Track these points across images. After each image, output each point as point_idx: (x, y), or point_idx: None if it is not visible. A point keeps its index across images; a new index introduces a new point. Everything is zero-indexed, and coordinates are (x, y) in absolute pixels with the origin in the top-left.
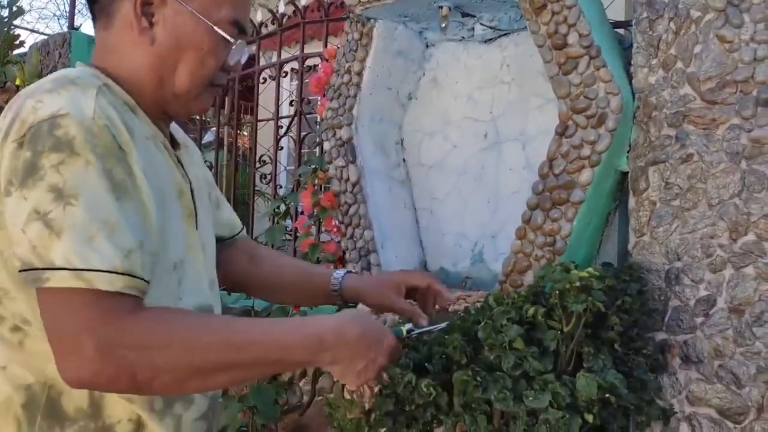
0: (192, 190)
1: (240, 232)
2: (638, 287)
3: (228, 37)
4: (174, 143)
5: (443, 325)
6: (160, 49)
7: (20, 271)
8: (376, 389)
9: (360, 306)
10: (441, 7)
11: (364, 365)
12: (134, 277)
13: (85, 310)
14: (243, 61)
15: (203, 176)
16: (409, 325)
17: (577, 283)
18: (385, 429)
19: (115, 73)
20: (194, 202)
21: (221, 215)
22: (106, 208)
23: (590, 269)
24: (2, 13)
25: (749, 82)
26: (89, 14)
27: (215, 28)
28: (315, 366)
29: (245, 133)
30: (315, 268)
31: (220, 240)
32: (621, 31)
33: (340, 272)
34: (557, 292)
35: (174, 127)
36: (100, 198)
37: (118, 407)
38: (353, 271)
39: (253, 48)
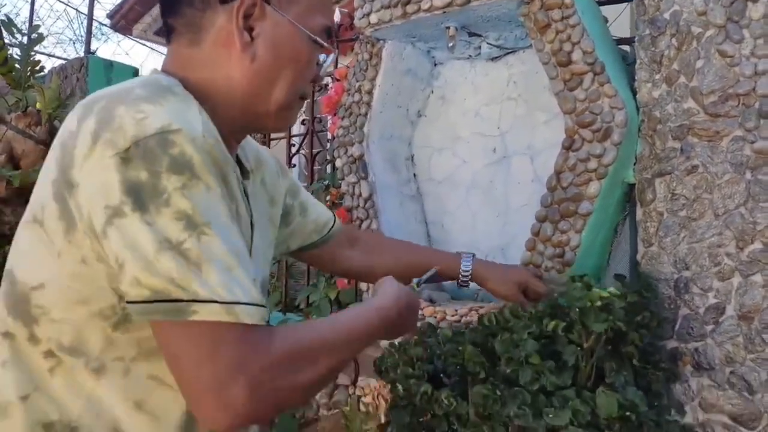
0: (252, 224)
1: (331, 229)
2: (656, 302)
3: (327, 45)
4: (242, 170)
5: (432, 271)
6: (260, 64)
7: (148, 302)
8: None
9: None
10: (448, 28)
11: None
12: (264, 306)
13: (234, 347)
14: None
15: (270, 197)
16: (414, 281)
17: (598, 303)
18: None
19: (196, 88)
20: (252, 234)
21: (305, 223)
22: (232, 234)
23: (611, 289)
24: (23, 40)
25: (751, 95)
26: (105, 38)
27: (315, 38)
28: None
29: None
30: (437, 253)
31: (312, 245)
32: (625, 47)
33: (468, 257)
34: (578, 309)
35: (248, 140)
36: (226, 225)
37: None
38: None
39: None
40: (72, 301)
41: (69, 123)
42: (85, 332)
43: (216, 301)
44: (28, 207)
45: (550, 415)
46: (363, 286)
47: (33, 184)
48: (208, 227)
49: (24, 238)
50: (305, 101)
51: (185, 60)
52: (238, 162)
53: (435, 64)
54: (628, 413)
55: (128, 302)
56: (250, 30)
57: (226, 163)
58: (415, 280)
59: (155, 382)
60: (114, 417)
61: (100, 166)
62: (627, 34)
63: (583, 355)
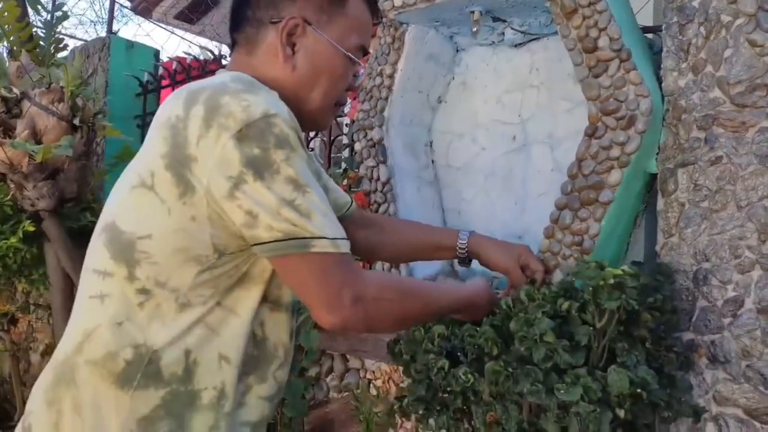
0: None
1: (348, 210)
2: (670, 287)
3: (359, 62)
4: None
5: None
6: (300, 73)
7: (281, 240)
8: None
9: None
10: (473, 12)
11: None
12: (347, 239)
13: (341, 270)
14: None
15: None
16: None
17: (611, 281)
18: (415, 415)
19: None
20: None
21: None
22: (320, 190)
23: (624, 267)
24: (47, 18)
25: None
26: (126, 19)
27: (349, 55)
28: (460, 315)
29: None
30: (438, 229)
31: None
32: (650, 36)
33: (465, 233)
34: (591, 288)
35: None
36: (316, 183)
37: (208, 376)
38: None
39: None
40: (174, 249)
41: (174, 109)
42: (179, 273)
43: (326, 237)
44: (131, 173)
45: (561, 391)
46: (378, 269)
47: (55, 159)
48: (308, 187)
49: (131, 198)
50: (342, 107)
51: (244, 65)
52: None
53: (457, 51)
54: (639, 390)
55: (258, 244)
56: (293, 45)
57: (302, 138)
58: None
59: (226, 311)
60: (187, 343)
61: (217, 144)
62: (651, 23)
63: (596, 335)
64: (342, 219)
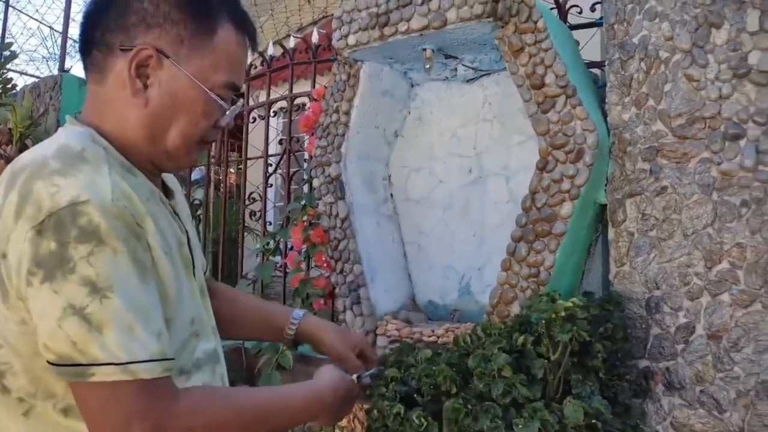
0: (189, 240)
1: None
2: (620, 315)
3: (222, 103)
4: (166, 191)
5: (375, 370)
6: (153, 110)
7: (57, 365)
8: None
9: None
10: (425, 50)
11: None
12: (166, 359)
13: (133, 401)
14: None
15: (189, 217)
16: (354, 375)
17: (563, 313)
18: None
19: (108, 130)
20: (191, 251)
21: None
22: (137, 294)
23: (574, 299)
24: None
25: (716, 118)
26: (80, 57)
27: (210, 94)
28: (317, 421)
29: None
30: (273, 306)
31: None
32: (596, 70)
33: (298, 314)
34: (544, 321)
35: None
36: (132, 285)
37: None
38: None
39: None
40: (28, 355)
41: None
42: (49, 378)
43: (114, 363)
44: None
45: (520, 426)
46: (339, 306)
47: None
48: (111, 290)
49: None
50: (209, 144)
51: (95, 98)
52: (163, 185)
53: (412, 85)
54: (594, 421)
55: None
56: (146, 77)
57: (141, 218)
58: (354, 375)
59: None
60: None
61: (21, 237)
62: (598, 58)
63: (551, 367)
64: None
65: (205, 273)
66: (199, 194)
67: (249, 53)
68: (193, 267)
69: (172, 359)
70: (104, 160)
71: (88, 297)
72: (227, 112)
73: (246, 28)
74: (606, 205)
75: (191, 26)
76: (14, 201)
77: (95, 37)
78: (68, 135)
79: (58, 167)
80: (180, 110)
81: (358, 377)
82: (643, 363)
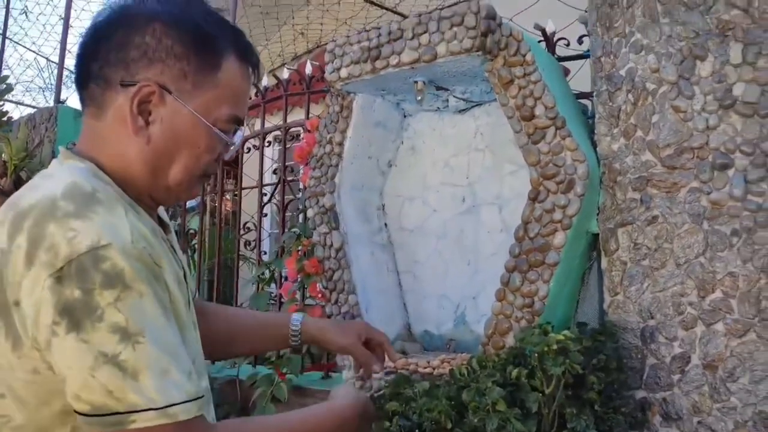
0: (185, 274)
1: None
2: (613, 345)
3: (225, 138)
4: (162, 225)
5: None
6: (155, 146)
7: (90, 415)
8: None
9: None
10: (416, 82)
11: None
12: (199, 398)
13: None
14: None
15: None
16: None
17: (555, 346)
18: None
19: (107, 165)
20: (187, 283)
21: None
22: (166, 335)
23: (566, 332)
24: None
25: (704, 148)
26: (75, 89)
27: (215, 130)
28: None
29: (228, 197)
30: (270, 314)
31: None
32: (585, 101)
33: (298, 315)
34: (536, 355)
35: None
36: (160, 327)
37: None
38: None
39: None
40: (35, 405)
41: (0, 239)
42: (54, 430)
43: (153, 408)
44: None
45: None
46: None
47: None
48: (142, 335)
49: None
50: (209, 177)
51: (92, 132)
52: (159, 219)
53: (405, 116)
54: None
55: (75, 411)
56: (148, 114)
57: (157, 258)
58: (369, 393)
59: None
60: None
61: (36, 286)
62: (587, 88)
63: (546, 401)
64: None
65: (194, 297)
66: (194, 223)
67: (251, 84)
68: (189, 302)
69: (203, 397)
70: (118, 201)
71: (120, 344)
72: (231, 146)
73: (250, 60)
74: (598, 234)
75: (195, 61)
76: (24, 246)
77: (92, 70)
78: (72, 171)
79: (72, 209)
80: (183, 146)
81: (372, 396)
82: (640, 393)
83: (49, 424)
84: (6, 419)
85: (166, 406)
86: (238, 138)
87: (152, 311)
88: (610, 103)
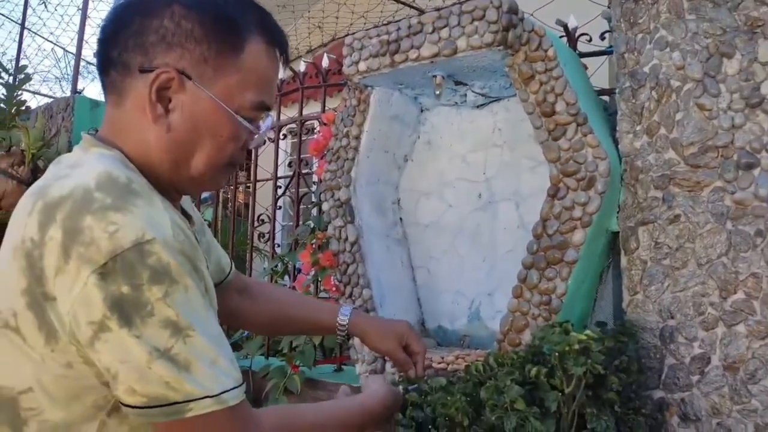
0: (207, 266)
1: (230, 273)
2: (634, 347)
3: (249, 126)
4: (186, 216)
5: (420, 385)
6: (176, 135)
7: (147, 407)
8: None
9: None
10: (435, 76)
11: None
12: (242, 383)
13: (230, 427)
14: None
15: (203, 229)
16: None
17: (576, 346)
18: None
19: (130, 154)
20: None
21: (209, 262)
22: (211, 326)
23: (588, 332)
24: (9, 80)
25: (729, 147)
26: (92, 77)
27: (238, 118)
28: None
29: (241, 189)
30: (318, 304)
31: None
32: (605, 97)
33: (347, 309)
34: (557, 354)
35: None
36: (205, 318)
37: None
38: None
39: None
40: (65, 399)
41: (28, 229)
42: (83, 425)
43: (208, 396)
44: None
45: None
46: None
47: None
48: (191, 329)
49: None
50: (236, 167)
51: (114, 120)
52: (183, 212)
53: (422, 110)
54: None
55: (125, 405)
56: (168, 101)
57: (194, 250)
58: (401, 387)
59: None
60: None
61: (77, 281)
62: (607, 85)
63: (565, 401)
64: (220, 284)
65: (228, 275)
66: (208, 214)
67: (281, 68)
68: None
69: (244, 382)
70: (154, 192)
71: (172, 338)
72: (256, 135)
73: (277, 41)
74: (618, 232)
75: (216, 44)
76: (58, 238)
77: (112, 57)
78: (100, 160)
79: (109, 202)
80: (205, 135)
81: (405, 390)
82: (658, 394)
83: (79, 419)
84: (35, 412)
85: (221, 393)
86: (267, 125)
87: (197, 304)
88: (633, 100)
